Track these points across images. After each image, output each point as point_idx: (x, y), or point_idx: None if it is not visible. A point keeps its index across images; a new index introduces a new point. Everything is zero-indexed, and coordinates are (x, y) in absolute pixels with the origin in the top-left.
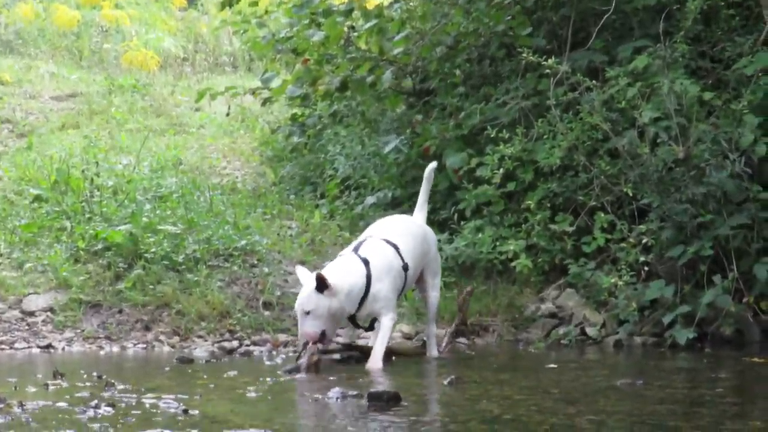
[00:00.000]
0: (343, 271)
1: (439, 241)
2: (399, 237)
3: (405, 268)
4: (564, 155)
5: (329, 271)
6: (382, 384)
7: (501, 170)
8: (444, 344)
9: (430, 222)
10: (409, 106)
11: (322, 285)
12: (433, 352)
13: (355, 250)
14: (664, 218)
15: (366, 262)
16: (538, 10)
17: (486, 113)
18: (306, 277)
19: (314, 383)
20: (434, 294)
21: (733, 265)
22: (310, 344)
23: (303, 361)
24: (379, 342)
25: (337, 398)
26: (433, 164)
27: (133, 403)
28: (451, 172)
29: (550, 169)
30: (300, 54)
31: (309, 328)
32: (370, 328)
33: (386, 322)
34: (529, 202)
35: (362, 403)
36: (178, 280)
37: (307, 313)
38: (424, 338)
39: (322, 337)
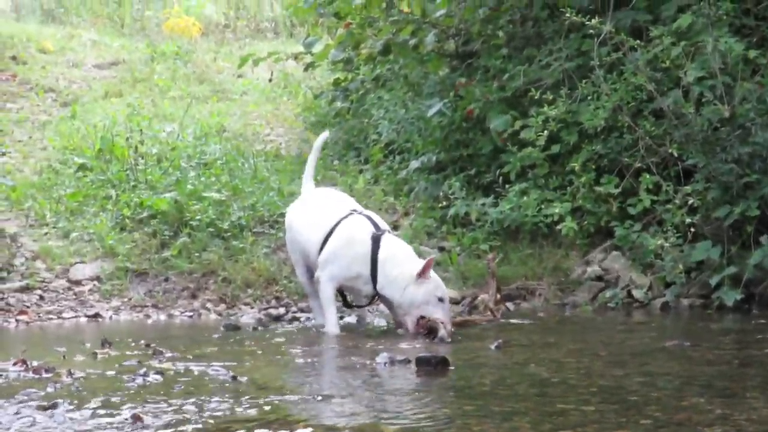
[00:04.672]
0: None
1: (483, 205)
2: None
3: None
4: (608, 116)
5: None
6: (429, 349)
7: (545, 132)
8: (492, 305)
9: (475, 186)
10: (452, 69)
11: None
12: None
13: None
14: (709, 178)
15: None
16: None
17: (529, 75)
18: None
19: (361, 349)
20: None
21: None
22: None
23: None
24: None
25: (385, 363)
26: (324, 134)
27: (182, 371)
28: (495, 134)
29: (595, 130)
30: (342, 18)
31: None
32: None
33: None
34: (574, 164)
35: (411, 368)
36: (223, 247)
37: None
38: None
39: None
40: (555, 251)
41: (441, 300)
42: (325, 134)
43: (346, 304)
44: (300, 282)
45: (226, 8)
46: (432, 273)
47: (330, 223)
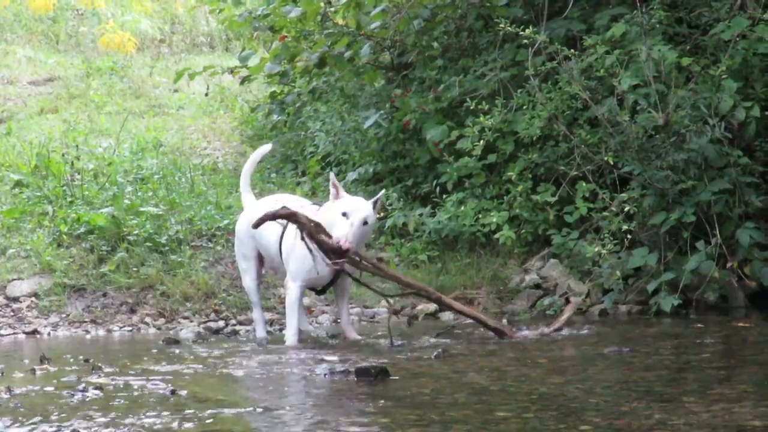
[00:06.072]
0: None
1: (420, 215)
2: None
3: None
4: (544, 125)
5: None
6: (369, 359)
7: (481, 142)
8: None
9: (412, 196)
10: (387, 81)
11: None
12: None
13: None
14: (645, 186)
15: None
16: None
17: (465, 85)
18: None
19: (301, 361)
20: None
21: (716, 230)
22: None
23: None
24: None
25: (325, 375)
26: (266, 147)
27: (121, 386)
28: (432, 145)
29: (531, 139)
30: (277, 31)
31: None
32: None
33: None
34: (511, 173)
35: (350, 379)
36: (161, 261)
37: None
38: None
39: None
40: (493, 260)
41: (344, 215)
42: (266, 147)
43: (319, 292)
44: (247, 290)
45: (161, 23)
46: (343, 193)
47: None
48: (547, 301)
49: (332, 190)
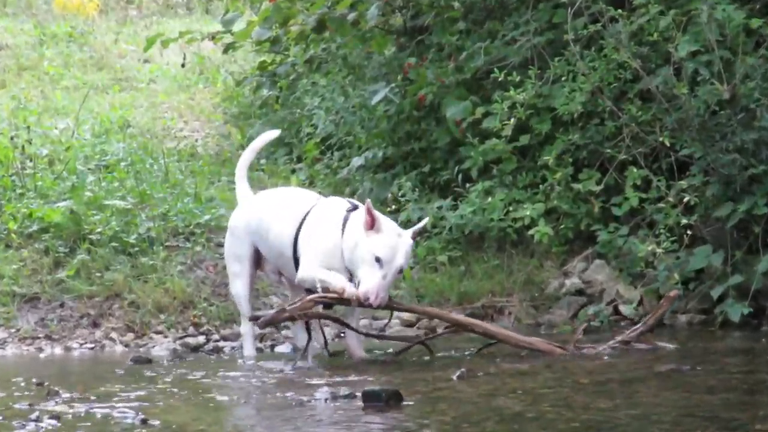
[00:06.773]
0: None
1: (440, 208)
2: None
3: None
4: (587, 100)
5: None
6: (379, 381)
7: (512, 121)
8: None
9: (430, 186)
10: (399, 48)
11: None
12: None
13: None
14: (708, 171)
15: None
16: None
17: (492, 53)
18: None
19: (298, 383)
20: None
21: None
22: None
23: None
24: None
25: (326, 400)
26: (272, 133)
27: (82, 414)
28: (453, 124)
29: (571, 117)
30: None
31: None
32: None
33: None
34: (547, 157)
35: (356, 405)
36: (130, 265)
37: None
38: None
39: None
40: (527, 261)
41: (378, 260)
42: (273, 133)
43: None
44: (236, 298)
45: None
46: (386, 224)
47: (301, 212)
48: (591, 310)
49: (366, 218)
